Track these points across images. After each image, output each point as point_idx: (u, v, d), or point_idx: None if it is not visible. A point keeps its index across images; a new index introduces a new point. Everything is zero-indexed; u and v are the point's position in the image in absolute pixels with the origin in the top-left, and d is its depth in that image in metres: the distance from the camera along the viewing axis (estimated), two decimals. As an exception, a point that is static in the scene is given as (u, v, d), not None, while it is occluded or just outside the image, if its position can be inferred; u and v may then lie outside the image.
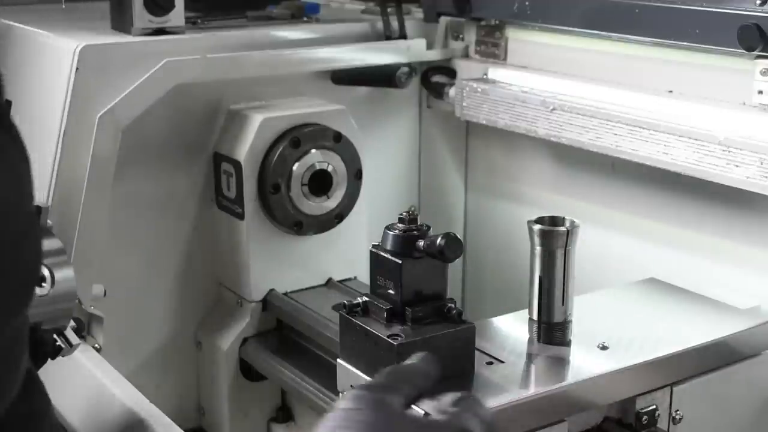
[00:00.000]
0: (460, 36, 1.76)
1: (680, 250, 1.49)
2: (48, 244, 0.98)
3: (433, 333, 1.03)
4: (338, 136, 1.58)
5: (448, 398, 0.86)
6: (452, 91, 1.72)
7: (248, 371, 1.62)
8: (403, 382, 0.87)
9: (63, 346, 0.99)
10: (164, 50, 1.50)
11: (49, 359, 0.98)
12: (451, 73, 1.76)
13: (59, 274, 0.98)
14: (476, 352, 1.07)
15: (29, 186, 0.66)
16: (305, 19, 1.77)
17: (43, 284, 0.96)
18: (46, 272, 0.97)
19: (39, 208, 0.96)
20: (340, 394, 1.10)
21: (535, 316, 1.15)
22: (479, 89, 1.66)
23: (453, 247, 1.01)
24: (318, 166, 1.57)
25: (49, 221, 1.00)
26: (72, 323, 1.02)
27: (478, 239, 1.87)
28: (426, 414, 0.86)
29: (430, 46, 1.76)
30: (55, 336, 0.98)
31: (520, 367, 1.10)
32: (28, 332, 0.70)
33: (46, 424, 0.75)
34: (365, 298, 1.07)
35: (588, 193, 1.63)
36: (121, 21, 1.57)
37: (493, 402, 1.01)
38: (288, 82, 1.66)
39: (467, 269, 1.90)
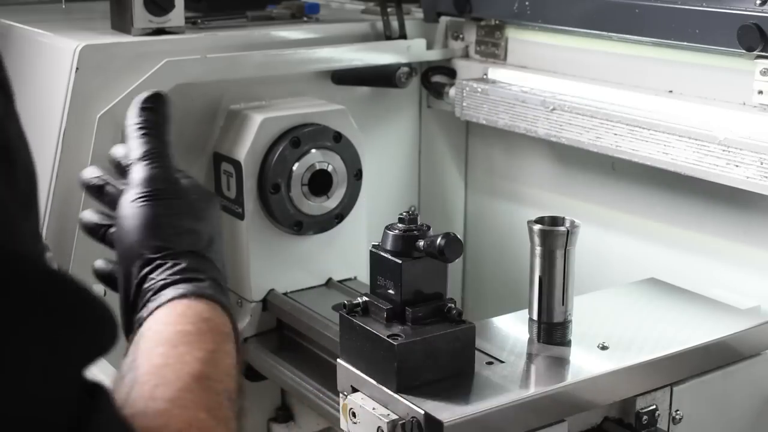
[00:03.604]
0: (460, 36, 1.76)
1: (680, 250, 1.49)
2: None
3: (433, 333, 1.03)
4: (338, 136, 1.58)
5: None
6: (452, 91, 1.72)
7: (248, 371, 1.61)
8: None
9: None
10: (164, 50, 1.50)
11: None
12: (451, 73, 1.76)
13: None
14: (476, 352, 1.07)
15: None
16: (305, 19, 1.77)
17: None
18: None
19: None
20: (340, 395, 1.09)
21: (535, 316, 1.15)
22: (479, 89, 1.66)
23: (453, 247, 1.01)
24: (318, 166, 1.57)
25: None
26: None
27: (478, 239, 1.87)
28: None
29: (430, 46, 1.76)
30: None
31: (520, 367, 1.10)
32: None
33: None
34: (365, 298, 1.07)
35: (588, 193, 1.63)
36: (121, 21, 1.57)
37: (494, 402, 1.01)
38: (288, 82, 1.66)
39: (467, 269, 1.90)
